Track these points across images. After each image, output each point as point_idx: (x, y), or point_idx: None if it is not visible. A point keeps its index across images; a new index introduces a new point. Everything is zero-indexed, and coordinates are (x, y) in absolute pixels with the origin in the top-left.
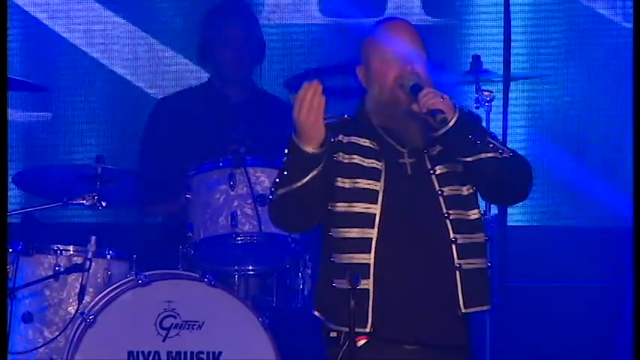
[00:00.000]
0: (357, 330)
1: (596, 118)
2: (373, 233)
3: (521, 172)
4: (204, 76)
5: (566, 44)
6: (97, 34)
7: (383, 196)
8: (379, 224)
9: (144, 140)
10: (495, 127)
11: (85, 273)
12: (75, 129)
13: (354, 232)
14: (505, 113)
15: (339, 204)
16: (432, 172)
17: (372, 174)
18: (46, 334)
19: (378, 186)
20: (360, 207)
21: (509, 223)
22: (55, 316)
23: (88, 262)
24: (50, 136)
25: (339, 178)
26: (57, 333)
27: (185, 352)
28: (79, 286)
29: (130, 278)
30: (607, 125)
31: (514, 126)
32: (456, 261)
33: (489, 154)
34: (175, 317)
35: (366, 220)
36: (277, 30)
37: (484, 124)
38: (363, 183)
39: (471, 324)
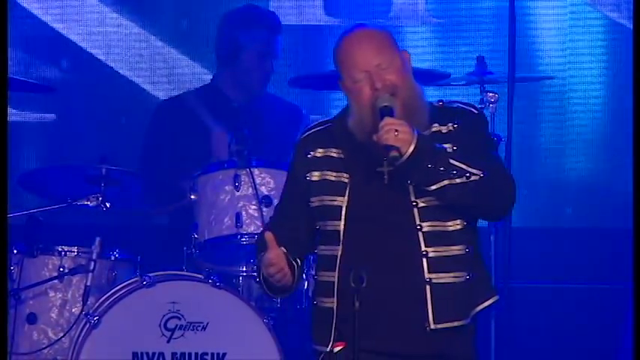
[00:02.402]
0: (316, 347)
1: (598, 119)
2: (338, 250)
3: (494, 193)
4: (208, 77)
5: (570, 45)
6: (101, 35)
7: (346, 212)
8: (343, 240)
9: (147, 141)
10: (500, 129)
11: (90, 274)
12: (79, 130)
13: (323, 250)
14: (510, 114)
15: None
16: (410, 182)
17: (337, 189)
18: (51, 335)
19: (342, 201)
20: (327, 224)
21: (513, 225)
22: (59, 317)
23: (92, 264)
24: (54, 137)
25: (311, 198)
26: (61, 334)
27: (190, 353)
28: (83, 287)
29: (134, 279)
30: (609, 125)
31: (518, 127)
32: (426, 275)
33: (455, 181)
34: (180, 318)
35: (332, 237)
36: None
37: (489, 126)
38: (327, 200)
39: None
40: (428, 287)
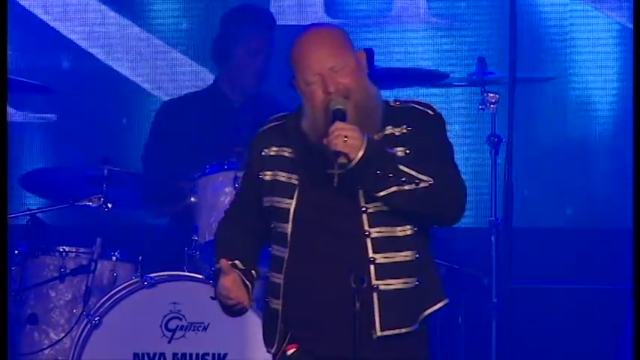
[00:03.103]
0: (267, 349)
1: (598, 119)
2: (286, 253)
3: (443, 200)
4: (210, 77)
5: (571, 45)
6: (101, 35)
7: (294, 215)
8: (291, 244)
9: (149, 142)
10: (501, 129)
11: (91, 274)
12: (81, 130)
13: (274, 250)
14: (510, 115)
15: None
16: (358, 187)
17: (286, 191)
18: (52, 335)
19: (290, 204)
20: (276, 225)
21: (513, 225)
22: (60, 317)
23: (93, 264)
24: (56, 137)
25: (264, 197)
26: (62, 334)
27: (191, 354)
28: (84, 288)
29: (135, 280)
30: (609, 126)
31: (519, 127)
32: (374, 282)
33: (404, 187)
34: (181, 319)
35: (281, 239)
36: (282, 31)
37: (448, 131)
38: (277, 201)
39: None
40: (375, 294)
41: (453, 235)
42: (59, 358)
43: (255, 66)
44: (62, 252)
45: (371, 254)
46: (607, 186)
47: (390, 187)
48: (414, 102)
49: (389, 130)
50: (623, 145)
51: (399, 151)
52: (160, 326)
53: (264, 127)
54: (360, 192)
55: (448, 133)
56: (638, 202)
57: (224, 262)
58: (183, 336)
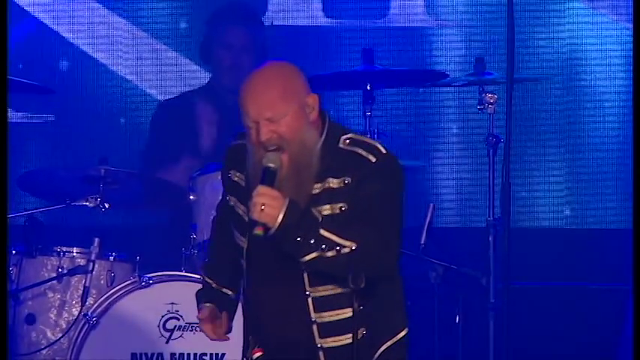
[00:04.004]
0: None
1: (597, 118)
2: (244, 277)
3: (366, 264)
4: (208, 77)
5: (569, 45)
6: (99, 35)
7: (247, 254)
8: (247, 276)
9: (147, 141)
10: (499, 130)
11: (89, 275)
12: (78, 131)
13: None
14: (509, 115)
15: None
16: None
17: (241, 227)
18: (49, 336)
19: (244, 242)
20: (239, 258)
21: (512, 225)
22: (58, 318)
23: (91, 264)
24: (53, 138)
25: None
26: (60, 335)
27: (188, 354)
28: (82, 288)
29: (133, 280)
30: (609, 125)
31: (517, 128)
32: (317, 341)
33: (326, 254)
34: (179, 319)
35: (242, 265)
36: (280, 31)
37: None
38: (236, 233)
39: None
40: (321, 353)
41: (451, 235)
42: (57, 358)
43: (230, 62)
44: (60, 252)
45: (313, 315)
46: (606, 186)
47: (311, 252)
48: (362, 142)
49: (328, 183)
50: (622, 145)
51: (336, 206)
52: (158, 326)
53: (233, 144)
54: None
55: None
56: (638, 202)
57: (198, 295)
58: (181, 336)
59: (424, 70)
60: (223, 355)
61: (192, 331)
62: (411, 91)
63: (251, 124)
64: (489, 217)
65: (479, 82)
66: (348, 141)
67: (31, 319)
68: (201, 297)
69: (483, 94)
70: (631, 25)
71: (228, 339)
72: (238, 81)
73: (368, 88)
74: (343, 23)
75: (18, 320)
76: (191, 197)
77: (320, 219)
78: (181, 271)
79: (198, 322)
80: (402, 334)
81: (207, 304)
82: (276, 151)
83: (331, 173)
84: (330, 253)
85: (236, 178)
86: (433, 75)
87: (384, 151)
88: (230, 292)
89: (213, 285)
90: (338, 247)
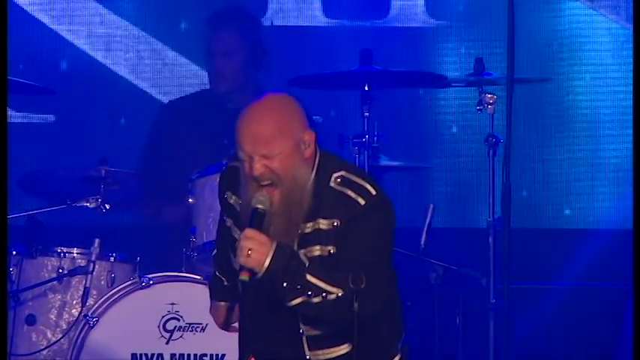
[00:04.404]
0: None
1: (597, 119)
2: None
3: (350, 312)
4: (207, 76)
5: (569, 45)
6: (100, 36)
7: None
8: (242, 303)
9: (147, 143)
10: (499, 130)
11: (89, 275)
12: (78, 131)
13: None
14: (508, 116)
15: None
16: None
17: (235, 249)
18: (50, 336)
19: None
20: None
21: (512, 226)
22: (58, 318)
23: (91, 265)
24: (53, 138)
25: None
26: (60, 335)
27: (189, 355)
28: (82, 289)
29: (133, 281)
30: (608, 126)
31: (517, 129)
32: (307, 353)
33: (312, 300)
34: (179, 320)
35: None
36: (280, 31)
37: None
38: (232, 258)
39: None
40: None
41: (451, 235)
42: (57, 358)
43: (217, 67)
44: (60, 253)
45: (307, 353)
46: (606, 186)
47: (297, 297)
48: (352, 183)
49: (318, 224)
50: (622, 145)
51: (326, 249)
52: (158, 327)
53: (228, 165)
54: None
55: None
56: (638, 202)
57: (213, 289)
58: (181, 337)
59: (423, 72)
60: (223, 355)
61: (192, 331)
62: (410, 91)
63: (245, 157)
64: (489, 217)
65: (479, 82)
66: (339, 180)
67: (31, 320)
68: (215, 293)
69: (483, 94)
70: (631, 25)
71: (237, 330)
72: (224, 85)
73: (366, 88)
74: (343, 23)
75: (18, 321)
76: (190, 200)
77: (307, 264)
78: (181, 272)
79: (198, 322)
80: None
81: (222, 304)
82: (268, 187)
83: (321, 214)
84: (316, 299)
85: (232, 201)
86: (432, 78)
87: (373, 192)
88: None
89: (225, 282)
90: (324, 294)
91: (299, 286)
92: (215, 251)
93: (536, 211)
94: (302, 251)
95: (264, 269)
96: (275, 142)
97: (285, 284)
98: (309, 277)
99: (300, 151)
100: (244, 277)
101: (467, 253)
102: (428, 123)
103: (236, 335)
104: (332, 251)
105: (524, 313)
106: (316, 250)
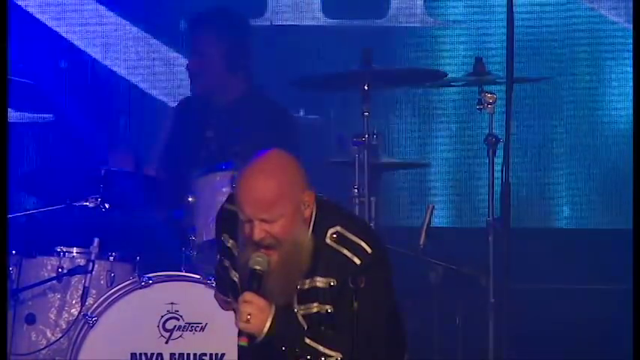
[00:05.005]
0: None
1: (597, 118)
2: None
3: None
4: None
5: (569, 45)
6: (100, 36)
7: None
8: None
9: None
10: (498, 130)
11: (88, 275)
12: (78, 131)
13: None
14: (508, 115)
15: None
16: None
17: (234, 290)
18: (49, 335)
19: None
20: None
21: (511, 226)
22: (57, 317)
23: (90, 264)
24: (53, 138)
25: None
26: (60, 335)
27: (188, 354)
28: (81, 288)
29: (132, 280)
30: (608, 126)
31: (516, 128)
32: None
33: None
34: (178, 319)
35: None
36: (280, 31)
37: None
38: (231, 300)
39: None
40: None
41: (451, 235)
42: (56, 358)
43: (190, 67)
44: (60, 252)
45: None
46: (606, 186)
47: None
48: (347, 241)
49: (315, 282)
50: (622, 145)
51: (323, 307)
52: (158, 326)
53: (224, 207)
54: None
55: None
56: (638, 202)
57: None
58: (180, 336)
59: (423, 69)
60: (223, 355)
61: (191, 331)
62: (410, 90)
63: (244, 220)
64: (489, 217)
65: (479, 82)
66: (334, 236)
67: (30, 319)
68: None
69: (483, 94)
70: (631, 26)
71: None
72: (197, 89)
73: (366, 87)
74: (343, 23)
75: (18, 320)
76: (190, 199)
77: (305, 327)
78: (181, 271)
79: (198, 321)
80: None
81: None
82: (266, 248)
83: (318, 272)
84: None
85: (229, 245)
86: (432, 75)
87: (369, 250)
88: None
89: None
90: (323, 358)
91: (297, 350)
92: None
93: (536, 212)
94: (301, 307)
95: (263, 334)
96: (276, 206)
97: (283, 348)
98: (307, 340)
99: (301, 212)
100: (243, 342)
101: (467, 252)
102: (428, 123)
103: (236, 333)
104: (329, 310)
105: (523, 312)
106: (314, 308)
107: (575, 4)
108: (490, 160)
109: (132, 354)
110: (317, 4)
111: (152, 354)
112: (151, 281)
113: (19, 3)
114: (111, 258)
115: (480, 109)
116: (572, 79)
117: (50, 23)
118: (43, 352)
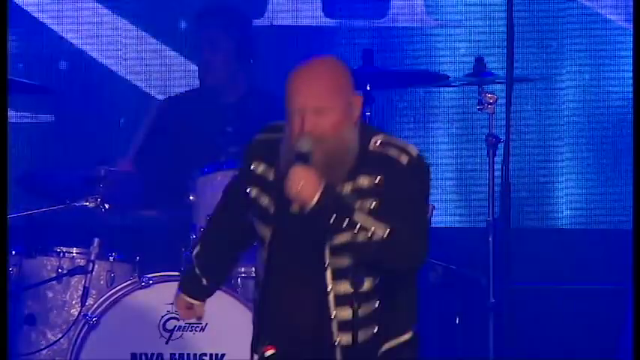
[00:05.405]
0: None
1: (597, 118)
2: (263, 272)
3: (397, 254)
4: None
5: (568, 45)
6: (99, 35)
7: (269, 247)
8: (266, 267)
9: (143, 143)
10: (498, 130)
11: (88, 275)
12: (78, 131)
13: (258, 262)
14: (508, 115)
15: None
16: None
17: (265, 218)
18: (49, 336)
19: (267, 234)
20: (259, 244)
21: (512, 226)
22: (58, 318)
23: (91, 265)
24: (53, 138)
25: (249, 211)
26: (60, 335)
27: (188, 354)
28: (82, 289)
29: (132, 280)
30: (608, 125)
31: (516, 128)
32: (335, 337)
33: (357, 238)
34: (179, 319)
35: (262, 257)
36: (280, 31)
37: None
38: (257, 223)
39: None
40: (338, 350)
41: (450, 235)
42: (57, 358)
43: (203, 61)
44: (59, 253)
45: (333, 312)
46: (606, 186)
47: (343, 234)
48: (393, 145)
49: (359, 181)
50: (622, 145)
51: (366, 203)
52: (158, 327)
53: (260, 136)
54: (327, 247)
55: (450, 134)
56: (638, 202)
57: (188, 285)
58: (180, 336)
59: (424, 71)
60: (223, 355)
61: (191, 331)
62: (410, 90)
63: (295, 113)
64: (489, 217)
65: (479, 82)
66: (378, 143)
67: (30, 320)
68: (188, 289)
69: (483, 94)
70: (630, 25)
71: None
72: (207, 82)
73: (367, 88)
74: (343, 23)
75: (18, 320)
76: (191, 198)
77: (355, 203)
78: (181, 272)
79: (198, 322)
80: (406, 337)
81: (197, 303)
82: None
83: (363, 171)
84: (361, 238)
85: (260, 171)
86: (433, 77)
87: (414, 153)
88: (215, 287)
89: (204, 282)
90: (370, 233)
91: (345, 223)
92: (198, 249)
93: (536, 211)
94: None
95: (313, 203)
96: (328, 96)
97: (332, 220)
98: (357, 214)
99: (350, 113)
100: (294, 208)
101: (467, 252)
102: (428, 123)
103: (236, 333)
104: (373, 205)
105: (523, 312)
106: (356, 206)
107: (575, 3)
108: (490, 160)
109: (132, 354)
110: (318, 5)
111: (152, 354)
112: (151, 281)
113: (19, 3)
114: (111, 258)
115: (480, 109)
116: (572, 79)
117: (50, 23)
118: (43, 352)
